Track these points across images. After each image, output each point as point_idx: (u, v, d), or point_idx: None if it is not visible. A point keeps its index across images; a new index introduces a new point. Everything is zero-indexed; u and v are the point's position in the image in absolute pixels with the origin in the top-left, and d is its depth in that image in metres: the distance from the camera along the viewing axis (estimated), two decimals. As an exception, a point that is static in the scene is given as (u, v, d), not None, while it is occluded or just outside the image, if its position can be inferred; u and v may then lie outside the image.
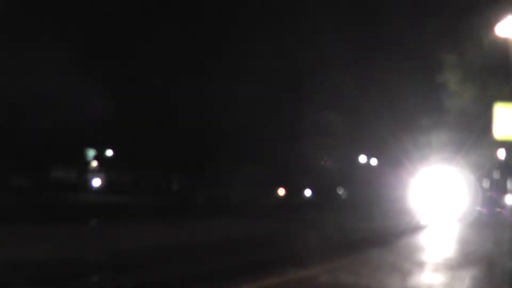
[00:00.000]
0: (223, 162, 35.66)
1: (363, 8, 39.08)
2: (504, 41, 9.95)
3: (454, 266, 10.48)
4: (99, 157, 48.70)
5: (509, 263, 9.60)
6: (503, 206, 34.13)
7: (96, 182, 47.63)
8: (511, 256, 11.33)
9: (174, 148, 37.35)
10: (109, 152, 48.18)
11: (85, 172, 48.12)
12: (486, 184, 50.10)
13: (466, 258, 11.88)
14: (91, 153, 49.09)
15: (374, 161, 47.28)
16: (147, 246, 11.15)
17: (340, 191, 51.15)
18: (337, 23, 33.56)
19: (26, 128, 34.33)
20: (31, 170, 39.27)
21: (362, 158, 47.13)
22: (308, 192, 49.39)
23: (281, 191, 44.77)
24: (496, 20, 9.80)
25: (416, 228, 21.58)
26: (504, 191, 34.40)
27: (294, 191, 46.13)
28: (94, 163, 49.78)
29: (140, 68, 34.73)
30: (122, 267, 8.87)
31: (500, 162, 26.87)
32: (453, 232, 22.53)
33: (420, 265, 10.42)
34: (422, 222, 25.20)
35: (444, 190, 29.89)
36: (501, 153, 25.52)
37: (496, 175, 35.51)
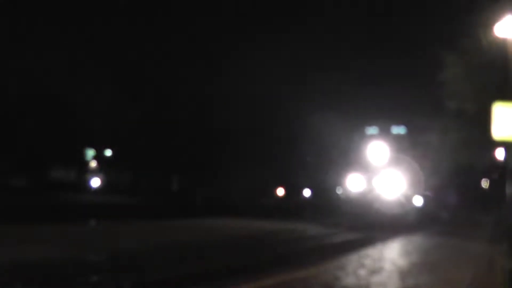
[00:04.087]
0: (222, 162, 35.70)
1: (362, 7, 39.18)
2: (503, 41, 9.97)
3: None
4: (99, 157, 48.71)
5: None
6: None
7: (95, 182, 47.60)
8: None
9: (174, 148, 37.37)
10: (108, 152, 48.18)
11: (84, 172, 48.12)
12: (485, 183, 50.08)
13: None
14: (90, 153, 49.09)
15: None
16: (146, 246, 11.17)
17: (340, 191, 51.06)
18: (335, 23, 33.62)
19: (26, 128, 34.35)
20: (31, 170, 39.24)
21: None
22: (307, 192, 49.31)
23: (280, 191, 44.75)
24: (495, 20, 9.83)
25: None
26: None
27: (293, 191, 46.07)
28: (93, 163, 49.78)
29: (141, 68, 34.78)
30: (122, 267, 8.89)
31: (498, 162, 26.77)
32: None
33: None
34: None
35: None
36: (500, 153, 25.44)
37: (495, 175, 35.50)
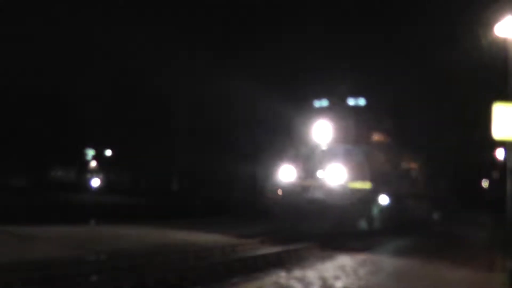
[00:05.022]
0: (222, 162, 35.67)
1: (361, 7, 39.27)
2: (503, 41, 9.99)
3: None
4: (99, 157, 48.77)
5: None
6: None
7: (95, 182, 47.70)
8: None
9: (174, 148, 37.39)
10: (108, 152, 48.25)
11: (84, 172, 48.19)
12: (485, 183, 50.04)
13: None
14: (90, 153, 49.16)
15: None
16: (145, 246, 11.17)
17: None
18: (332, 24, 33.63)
19: (26, 128, 34.39)
20: (31, 170, 39.30)
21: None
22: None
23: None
24: (495, 20, 9.84)
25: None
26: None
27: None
28: (93, 163, 49.87)
29: (140, 68, 34.79)
30: (122, 267, 8.89)
31: (498, 162, 26.75)
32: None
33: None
34: None
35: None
36: (500, 153, 25.49)
37: (495, 175, 35.48)
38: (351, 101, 16.36)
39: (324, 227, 13.72)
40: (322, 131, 15.24)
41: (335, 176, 14.24)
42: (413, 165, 21.87)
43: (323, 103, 16.66)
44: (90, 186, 45.94)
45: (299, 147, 15.68)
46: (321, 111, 16.18)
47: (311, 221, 13.88)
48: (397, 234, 16.15)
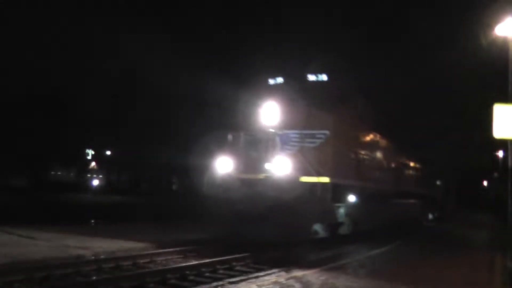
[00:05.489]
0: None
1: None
2: (504, 41, 10.00)
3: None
4: (99, 157, 48.79)
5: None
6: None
7: (95, 182, 47.78)
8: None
9: (174, 149, 37.40)
10: (108, 152, 48.32)
11: (84, 172, 48.22)
12: (485, 183, 50.03)
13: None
14: (90, 152, 49.21)
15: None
16: (145, 245, 11.16)
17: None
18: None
19: (26, 128, 34.39)
20: (31, 170, 39.30)
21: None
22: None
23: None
24: (495, 19, 9.86)
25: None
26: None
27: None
28: (93, 163, 49.92)
29: (139, 68, 34.79)
30: (122, 267, 8.89)
31: (498, 162, 26.74)
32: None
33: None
34: None
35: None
36: (500, 153, 25.53)
37: (495, 174, 35.50)
38: (311, 77, 13.14)
39: (272, 232, 10.41)
40: (271, 113, 12.01)
41: (284, 168, 11.07)
42: (407, 162, 20.24)
43: (279, 80, 13.46)
44: (91, 186, 46.04)
45: (240, 133, 12.24)
46: (274, 90, 13.02)
47: (256, 224, 10.48)
48: (374, 240, 13.42)
